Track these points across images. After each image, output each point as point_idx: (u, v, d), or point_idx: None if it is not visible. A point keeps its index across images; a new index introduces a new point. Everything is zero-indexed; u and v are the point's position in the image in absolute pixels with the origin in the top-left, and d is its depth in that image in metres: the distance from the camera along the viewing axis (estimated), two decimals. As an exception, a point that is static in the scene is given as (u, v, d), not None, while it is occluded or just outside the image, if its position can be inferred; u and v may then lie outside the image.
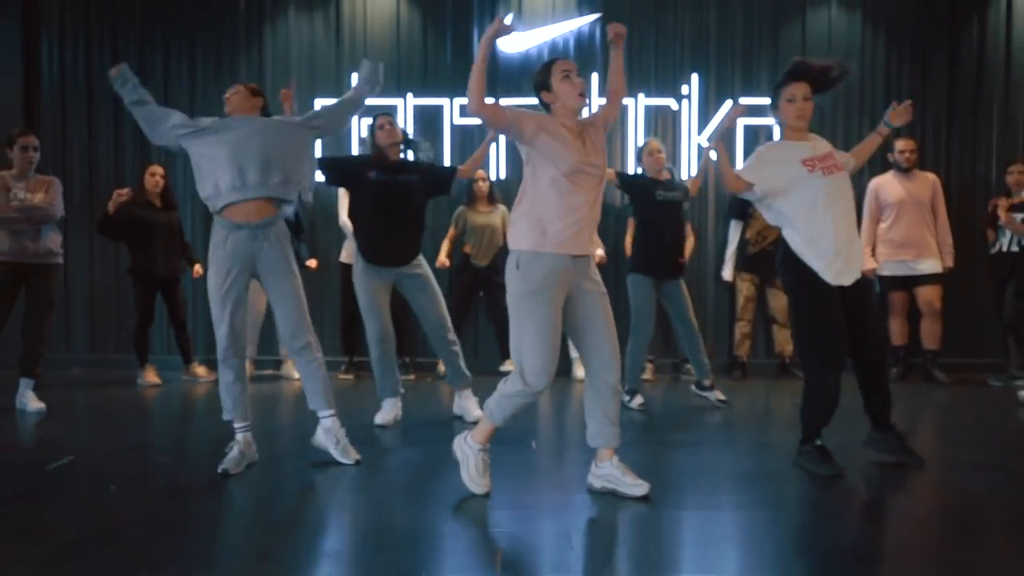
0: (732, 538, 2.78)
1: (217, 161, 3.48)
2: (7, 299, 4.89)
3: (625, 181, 5.24)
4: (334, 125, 3.85)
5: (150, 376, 5.98)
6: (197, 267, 6.11)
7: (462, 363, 4.66)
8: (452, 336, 4.61)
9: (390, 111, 4.63)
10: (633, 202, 5.26)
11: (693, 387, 5.23)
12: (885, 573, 2.51)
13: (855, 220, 3.59)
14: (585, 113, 3.22)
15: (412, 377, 6.25)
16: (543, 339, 2.98)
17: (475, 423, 3.78)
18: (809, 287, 3.48)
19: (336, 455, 3.62)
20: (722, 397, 5.13)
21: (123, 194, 5.51)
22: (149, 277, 5.93)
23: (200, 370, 6.18)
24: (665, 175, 5.21)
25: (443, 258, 6.25)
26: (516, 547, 2.67)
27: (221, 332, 3.49)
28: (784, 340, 6.44)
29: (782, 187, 3.51)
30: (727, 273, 6.53)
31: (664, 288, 5.09)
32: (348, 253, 6.19)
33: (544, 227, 3.02)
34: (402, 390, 4.72)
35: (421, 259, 4.57)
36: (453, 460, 3.25)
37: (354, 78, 6.47)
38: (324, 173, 4.56)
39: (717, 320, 6.70)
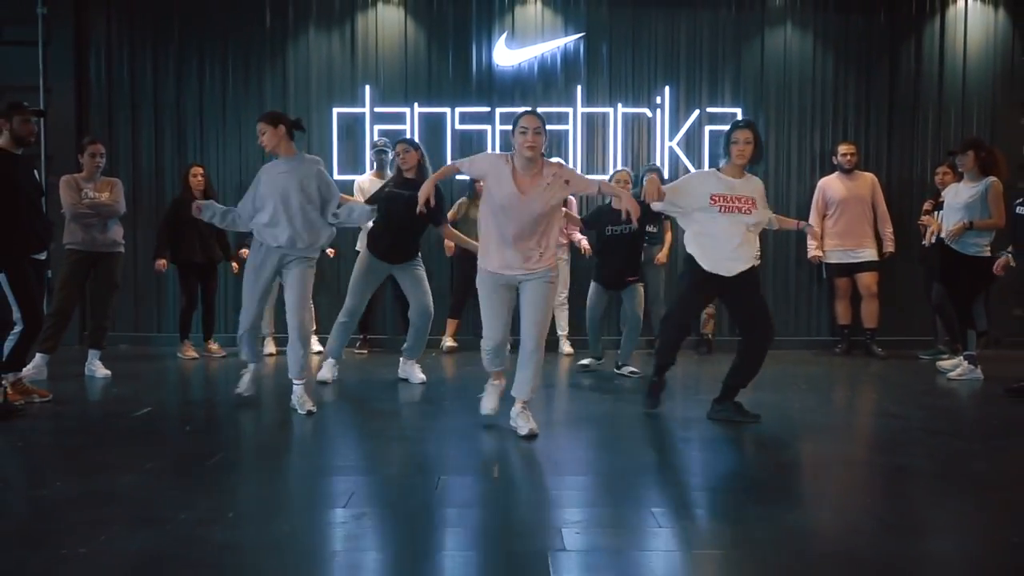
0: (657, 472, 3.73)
1: None
2: (80, 282, 5.79)
3: (586, 223, 6.10)
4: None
5: (188, 351, 6.83)
6: (235, 265, 6.90)
7: (423, 343, 5.70)
8: (427, 324, 5.63)
9: (411, 140, 5.63)
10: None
11: (614, 369, 6.14)
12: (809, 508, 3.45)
13: (747, 243, 4.51)
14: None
15: (364, 352, 7.17)
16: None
17: (420, 383, 5.58)
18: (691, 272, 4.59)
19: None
20: (635, 369, 6.06)
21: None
22: (190, 266, 6.73)
23: (214, 347, 6.94)
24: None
25: (450, 244, 7.10)
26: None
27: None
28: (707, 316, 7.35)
29: (684, 208, 4.59)
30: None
31: (619, 293, 6.08)
32: (362, 244, 7.06)
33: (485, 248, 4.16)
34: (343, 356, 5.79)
35: (418, 260, 5.62)
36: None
37: (368, 89, 7.43)
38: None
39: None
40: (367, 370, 6.27)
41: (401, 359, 5.79)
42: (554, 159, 4.22)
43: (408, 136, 7.43)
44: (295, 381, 4.66)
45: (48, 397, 4.89)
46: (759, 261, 4.65)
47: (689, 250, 4.61)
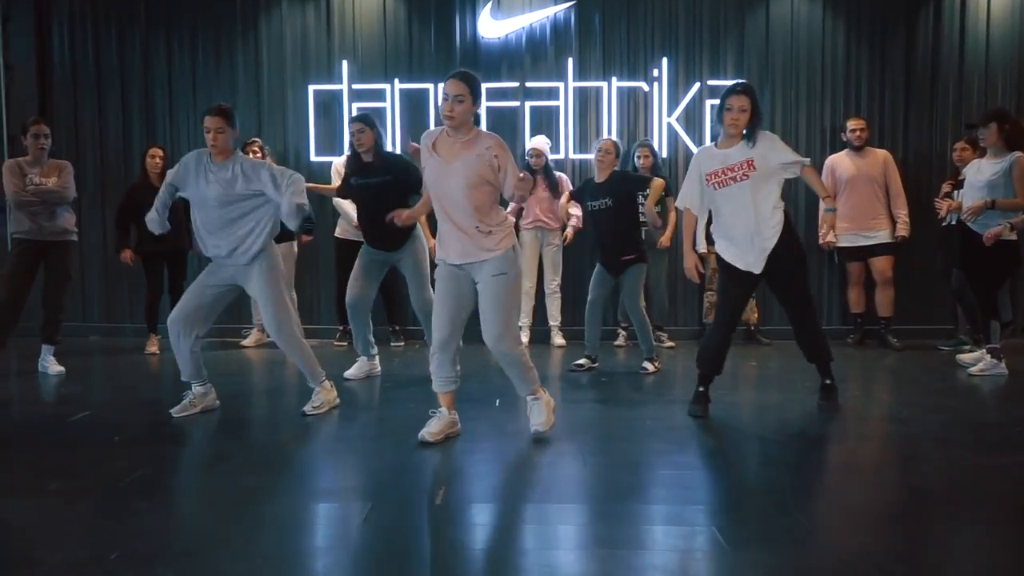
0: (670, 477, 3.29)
1: None
2: (28, 274, 5.41)
3: (573, 196, 5.72)
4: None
5: (152, 346, 6.40)
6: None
7: None
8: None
9: (365, 117, 5.05)
10: None
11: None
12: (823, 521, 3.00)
13: (759, 215, 4.14)
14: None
15: (401, 344, 6.74)
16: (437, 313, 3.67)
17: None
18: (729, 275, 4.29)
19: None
20: (648, 366, 5.58)
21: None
22: (155, 254, 6.31)
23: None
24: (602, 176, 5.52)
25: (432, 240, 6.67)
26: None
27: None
28: (749, 309, 6.87)
29: (701, 201, 4.33)
30: (701, 245, 6.92)
31: (620, 278, 5.57)
32: (342, 229, 6.66)
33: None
34: (374, 351, 5.35)
35: (415, 246, 5.12)
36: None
37: (345, 65, 6.97)
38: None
39: (687, 290, 7.13)
40: (400, 367, 5.79)
41: None
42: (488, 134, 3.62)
43: (389, 115, 7.00)
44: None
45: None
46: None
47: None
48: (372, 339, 5.34)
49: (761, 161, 4.11)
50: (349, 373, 5.26)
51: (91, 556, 2.39)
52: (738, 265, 4.22)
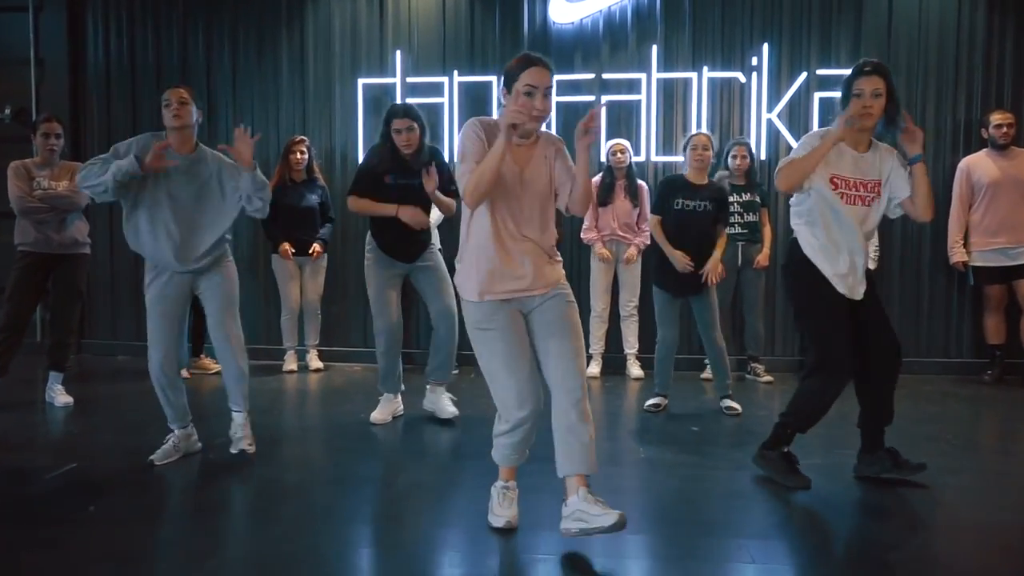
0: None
1: None
2: (33, 292, 4.75)
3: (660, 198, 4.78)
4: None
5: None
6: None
7: (452, 359, 4.47)
8: (455, 327, 4.34)
9: (413, 110, 4.21)
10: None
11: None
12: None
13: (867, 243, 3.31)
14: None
15: (358, 368, 5.95)
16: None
17: (449, 419, 4.35)
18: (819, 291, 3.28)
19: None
20: (734, 405, 4.70)
21: None
22: None
23: (207, 361, 5.89)
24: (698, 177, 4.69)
25: None
26: None
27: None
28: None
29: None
30: None
31: (691, 299, 4.72)
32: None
33: None
34: (402, 387, 4.55)
35: (432, 251, 4.40)
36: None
37: (399, 56, 6.20)
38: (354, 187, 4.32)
39: (787, 314, 6.10)
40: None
41: (428, 385, 4.56)
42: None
43: (447, 111, 6.20)
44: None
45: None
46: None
47: (806, 252, 3.31)
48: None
49: (885, 187, 3.27)
50: (375, 416, 4.43)
51: None
52: (840, 289, 3.27)
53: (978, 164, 5.67)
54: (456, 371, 5.82)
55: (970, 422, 4.64)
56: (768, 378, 5.67)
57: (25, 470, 3.52)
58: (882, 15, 5.95)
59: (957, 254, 5.74)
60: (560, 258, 2.83)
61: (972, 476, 3.49)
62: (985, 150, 5.68)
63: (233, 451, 3.68)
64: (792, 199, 3.42)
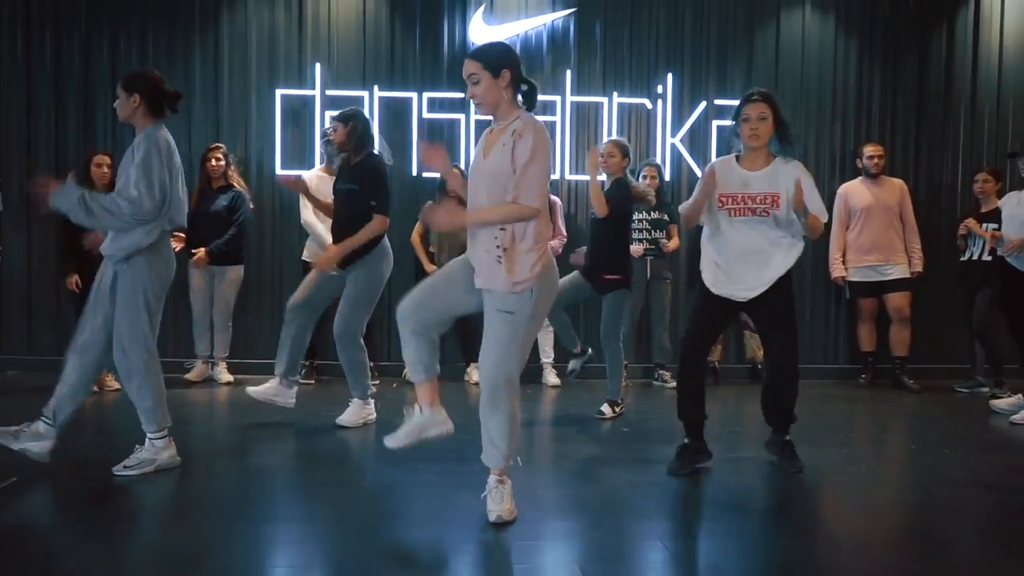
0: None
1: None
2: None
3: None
4: None
5: (107, 380, 5.53)
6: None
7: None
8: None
9: (343, 115, 4.49)
10: None
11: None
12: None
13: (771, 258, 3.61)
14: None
15: (312, 382, 5.98)
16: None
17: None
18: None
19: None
20: (605, 411, 4.98)
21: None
22: (89, 273, 5.46)
23: (110, 379, 5.55)
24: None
25: (429, 266, 5.96)
26: None
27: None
28: (756, 346, 6.36)
29: (707, 218, 3.70)
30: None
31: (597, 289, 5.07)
32: (310, 252, 5.89)
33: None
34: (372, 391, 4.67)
35: (367, 260, 4.48)
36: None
37: (318, 68, 6.23)
38: None
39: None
40: (309, 405, 5.04)
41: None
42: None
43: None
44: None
45: None
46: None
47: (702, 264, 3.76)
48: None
49: (786, 199, 3.55)
50: (343, 419, 4.51)
51: None
52: (719, 293, 3.65)
53: (853, 190, 6.34)
54: (312, 382, 5.93)
55: (851, 420, 5.20)
56: (673, 384, 6.07)
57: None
58: (770, 53, 6.57)
59: (836, 270, 6.38)
60: (533, 248, 2.82)
61: (876, 465, 3.97)
62: (860, 178, 6.36)
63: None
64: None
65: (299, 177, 5.03)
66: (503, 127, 2.88)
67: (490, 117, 2.94)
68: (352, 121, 4.44)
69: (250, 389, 4.62)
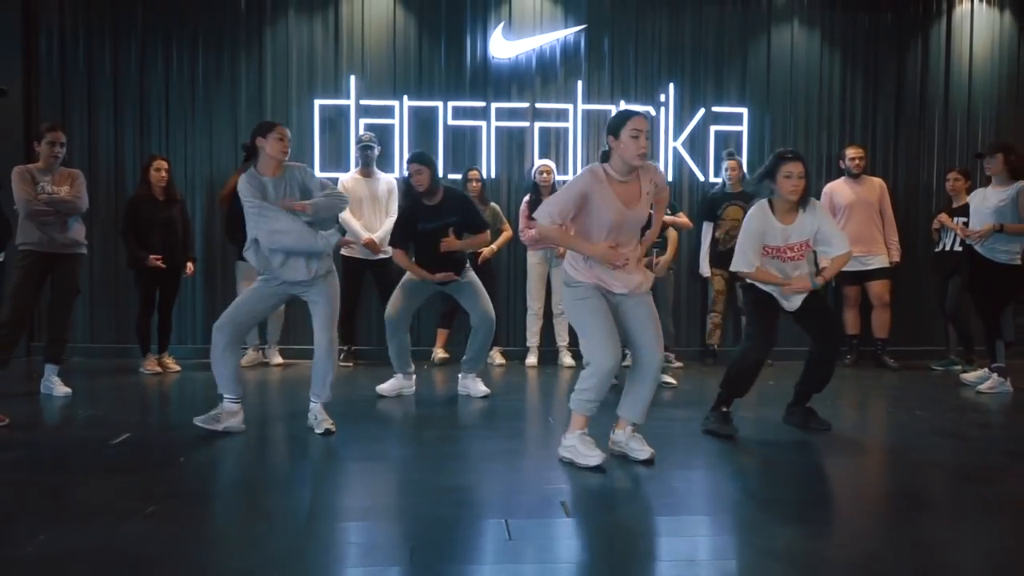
0: (714, 493, 3.29)
1: None
2: (35, 288, 5.07)
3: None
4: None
5: (151, 365, 6.15)
6: (190, 265, 6.29)
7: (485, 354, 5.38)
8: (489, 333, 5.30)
9: (422, 156, 5.08)
10: None
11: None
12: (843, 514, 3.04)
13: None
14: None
15: (351, 365, 6.57)
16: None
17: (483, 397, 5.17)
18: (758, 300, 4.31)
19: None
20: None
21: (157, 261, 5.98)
22: (151, 270, 6.00)
23: (169, 360, 6.26)
24: None
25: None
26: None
27: None
28: (713, 328, 6.99)
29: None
30: (704, 269, 7.05)
31: None
32: (349, 248, 6.51)
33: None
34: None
35: (467, 270, 5.25)
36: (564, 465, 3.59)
37: (352, 80, 6.86)
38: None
39: (690, 312, 7.23)
40: (354, 385, 5.67)
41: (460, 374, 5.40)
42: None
43: (398, 132, 6.91)
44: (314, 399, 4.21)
45: (5, 421, 4.21)
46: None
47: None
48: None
49: (814, 240, 4.25)
50: (383, 388, 5.19)
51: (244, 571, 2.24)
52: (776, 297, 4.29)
53: (838, 189, 7.00)
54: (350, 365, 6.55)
55: (843, 392, 5.84)
56: (678, 364, 6.73)
57: (88, 439, 3.96)
58: (762, 64, 7.24)
59: (822, 261, 7.02)
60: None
61: (859, 426, 4.62)
62: (843, 178, 7.02)
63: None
64: None
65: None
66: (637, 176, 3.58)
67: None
68: (432, 164, 5.03)
69: (379, 388, 5.22)
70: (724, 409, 4.32)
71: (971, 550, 2.65)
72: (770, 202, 4.20)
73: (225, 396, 4.13)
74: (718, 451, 3.90)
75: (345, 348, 6.64)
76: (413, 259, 5.14)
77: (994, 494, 3.22)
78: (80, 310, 6.84)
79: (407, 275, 5.19)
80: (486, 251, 6.34)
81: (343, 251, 6.55)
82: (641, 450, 3.60)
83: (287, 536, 2.64)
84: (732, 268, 4.33)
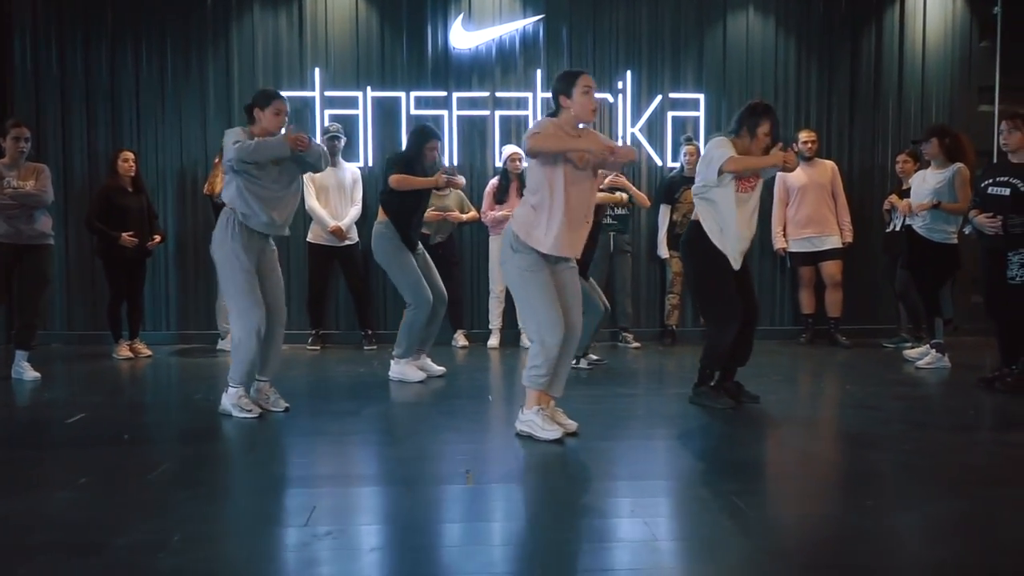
0: (656, 461, 3.52)
1: None
2: (5, 278, 5.32)
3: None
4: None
5: (123, 350, 6.39)
6: (157, 237, 6.48)
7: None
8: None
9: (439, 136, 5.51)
10: None
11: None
12: (786, 482, 3.27)
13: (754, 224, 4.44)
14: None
15: (374, 347, 6.82)
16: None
17: (440, 376, 5.19)
18: (715, 262, 4.34)
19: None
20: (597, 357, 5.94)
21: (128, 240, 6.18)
22: (118, 258, 6.28)
23: (140, 346, 6.48)
24: None
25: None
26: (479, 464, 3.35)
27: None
28: (672, 308, 7.19)
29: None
30: (662, 251, 7.24)
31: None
32: (315, 234, 6.74)
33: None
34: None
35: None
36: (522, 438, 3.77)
37: (317, 72, 7.05)
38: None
39: (649, 293, 7.44)
40: (325, 367, 5.92)
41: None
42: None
43: (361, 123, 7.12)
44: (261, 379, 4.37)
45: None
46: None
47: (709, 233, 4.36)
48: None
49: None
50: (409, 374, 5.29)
51: (153, 539, 2.47)
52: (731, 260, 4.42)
53: (790, 173, 7.16)
54: (375, 347, 6.77)
55: (790, 368, 6.05)
56: (636, 344, 6.94)
57: (44, 419, 4.22)
58: (718, 50, 7.40)
59: (778, 242, 7.23)
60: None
61: (788, 400, 4.84)
62: (796, 160, 7.19)
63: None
64: (701, 189, 4.37)
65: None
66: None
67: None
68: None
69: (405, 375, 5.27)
70: (712, 384, 4.50)
71: (831, 511, 2.87)
72: (732, 142, 4.30)
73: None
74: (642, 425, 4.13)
75: (313, 332, 6.90)
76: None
77: (880, 459, 3.44)
78: (57, 298, 7.12)
79: (402, 259, 5.23)
80: (461, 216, 6.83)
81: (309, 238, 6.79)
82: (567, 423, 3.81)
83: (199, 504, 2.88)
84: (719, 168, 4.16)
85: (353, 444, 3.81)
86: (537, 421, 3.69)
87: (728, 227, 4.29)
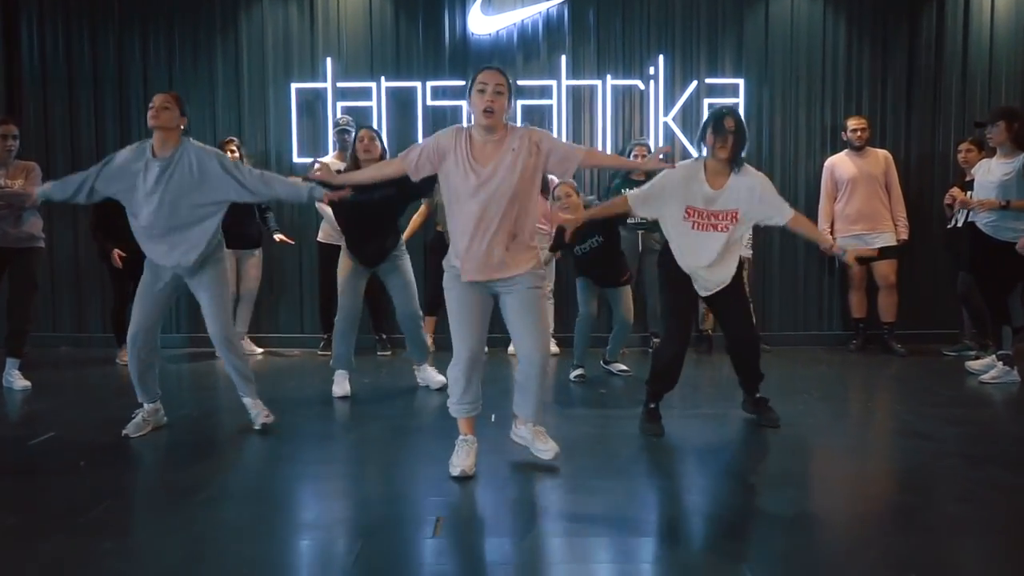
0: (657, 503, 3.04)
1: None
2: (-9, 282, 5.09)
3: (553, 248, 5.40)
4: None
5: (123, 356, 6.13)
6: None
7: (421, 344, 5.16)
8: (417, 327, 5.06)
9: (371, 127, 4.86)
10: None
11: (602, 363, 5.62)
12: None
13: (723, 261, 3.90)
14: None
15: (388, 353, 6.46)
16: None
17: (439, 389, 4.97)
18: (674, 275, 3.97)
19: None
20: (624, 367, 5.59)
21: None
22: (124, 261, 6.00)
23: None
24: None
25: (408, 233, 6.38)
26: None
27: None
28: (707, 313, 6.63)
29: (662, 215, 3.92)
30: None
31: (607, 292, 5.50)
32: (325, 233, 6.39)
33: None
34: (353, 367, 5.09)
35: (401, 250, 4.93)
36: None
37: (329, 63, 6.69)
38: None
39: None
40: (325, 375, 5.55)
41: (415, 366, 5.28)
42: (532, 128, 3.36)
43: (375, 114, 6.73)
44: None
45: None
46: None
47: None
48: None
49: (745, 214, 3.85)
50: (338, 391, 4.99)
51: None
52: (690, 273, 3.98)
53: (839, 163, 6.55)
54: (388, 353, 6.41)
55: (836, 383, 5.46)
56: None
57: (8, 439, 3.93)
58: (760, 32, 6.79)
59: (825, 240, 6.59)
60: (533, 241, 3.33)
61: (824, 425, 4.29)
62: (845, 151, 6.56)
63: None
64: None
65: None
66: (499, 139, 3.22)
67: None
68: (381, 137, 4.82)
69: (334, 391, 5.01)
70: (652, 406, 4.07)
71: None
72: (706, 164, 3.85)
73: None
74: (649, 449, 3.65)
75: (324, 338, 6.55)
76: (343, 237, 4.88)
77: (924, 511, 2.90)
78: (68, 299, 6.92)
79: (343, 264, 4.88)
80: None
81: (319, 237, 6.45)
82: (545, 449, 3.40)
83: (114, 561, 2.51)
84: (631, 203, 3.91)
85: (322, 479, 3.42)
86: (457, 450, 3.38)
87: (678, 255, 3.92)
